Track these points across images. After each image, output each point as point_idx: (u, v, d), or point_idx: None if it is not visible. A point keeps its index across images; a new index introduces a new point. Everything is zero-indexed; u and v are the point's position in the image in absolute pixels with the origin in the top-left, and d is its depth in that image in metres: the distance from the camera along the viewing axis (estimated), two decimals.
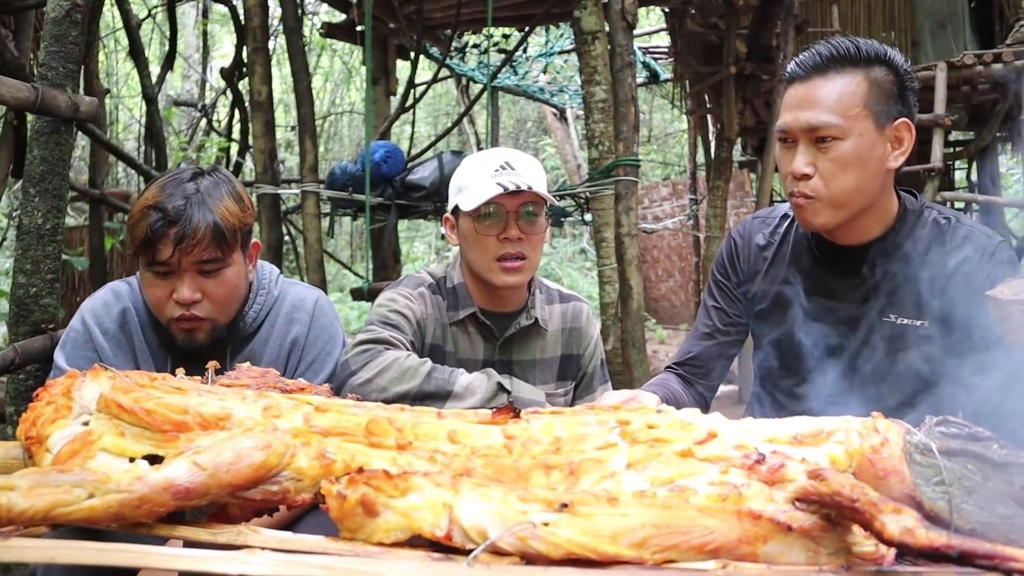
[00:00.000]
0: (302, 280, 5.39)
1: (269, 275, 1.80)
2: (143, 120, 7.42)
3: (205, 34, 9.86)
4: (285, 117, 12.48)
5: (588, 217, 5.20)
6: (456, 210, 1.88)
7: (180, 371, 1.27)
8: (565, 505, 0.79)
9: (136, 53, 5.81)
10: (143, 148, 7.48)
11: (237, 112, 7.23)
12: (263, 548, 0.76)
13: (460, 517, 0.78)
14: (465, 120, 10.09)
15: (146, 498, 0.80)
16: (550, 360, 2.00)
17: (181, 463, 0.83)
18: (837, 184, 1.53)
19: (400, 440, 0.94)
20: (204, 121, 9.63)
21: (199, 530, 0.83)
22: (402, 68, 7.63)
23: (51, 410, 1.00)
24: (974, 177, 8.71)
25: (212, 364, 1.31)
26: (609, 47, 4.11)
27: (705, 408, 1.78)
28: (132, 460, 0.92)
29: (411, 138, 8.23)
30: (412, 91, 6.74)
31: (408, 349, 1.76)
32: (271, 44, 6.41)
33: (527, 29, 6.76)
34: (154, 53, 11.13)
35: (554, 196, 1.93)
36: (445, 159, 5.38)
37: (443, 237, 1.99)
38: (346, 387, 1.63)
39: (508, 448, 0.93)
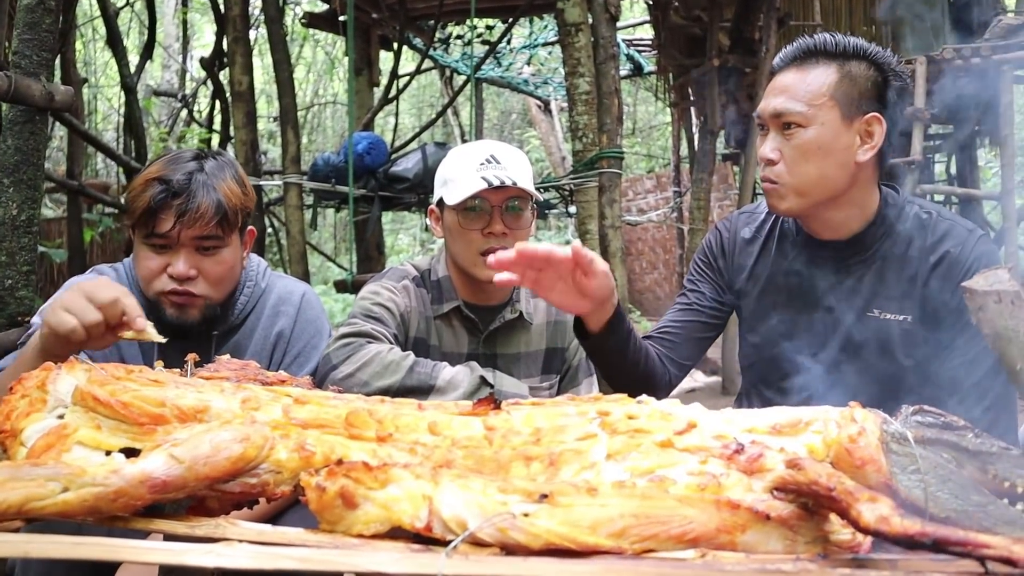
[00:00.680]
0: (285, 272, 5.37)
1: (257, 267, 1.79)
2: (122, 110, 7.35)
3: (185, 23, 9.76)
4: (267, 108, 12.39)
5: (572, 209, 5.21)
6: (441, 202, 1.87)
7: (159, 364, 1.26)
8: (545, 496, 0.79)
9: (114, 42, 5.75)
10: (122, 139, 7.40)
11: (218, 103, 7.17)
12: (241, 541, 0.75)
13: (440, 508, 0.78)
14: (449, 112, 10.06)
15: (122, 491, 0.79)
16: (535, 353, 2.00)
17: (158, 456, 0.83)
18: (798, 171, 1.57)
19: (380, 432, 0.93)
20: (184, 111, 9.54)
21: (177, 523, 0.82)
22: (385, 59, 7.60)
23: (25, 403, 0.98)
24: (953, 170, 8.79)
25: (191, 356, 1.29)
26: (592, 39, 4.11)
27: (668, 390, 1.77)
28: (108, 453, 0.91)
29: (395, 129, 8.22)
30: (395, 82, 6.72)
31: (391, 343, 1.76)
32: (252, 34, 6.35)
33: (511, 20, 6.75)
34: (133, 42, 11.02)
35: (538, 188, 1.93)
36: (429, 150, 5.37)
37: (427, 229, 1.98)
38: (327, 381, 1.63)
39: (488, 439, 0.93)
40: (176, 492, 0.83)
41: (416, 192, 5.24)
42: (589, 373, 2.10)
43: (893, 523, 0.73)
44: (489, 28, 8.02)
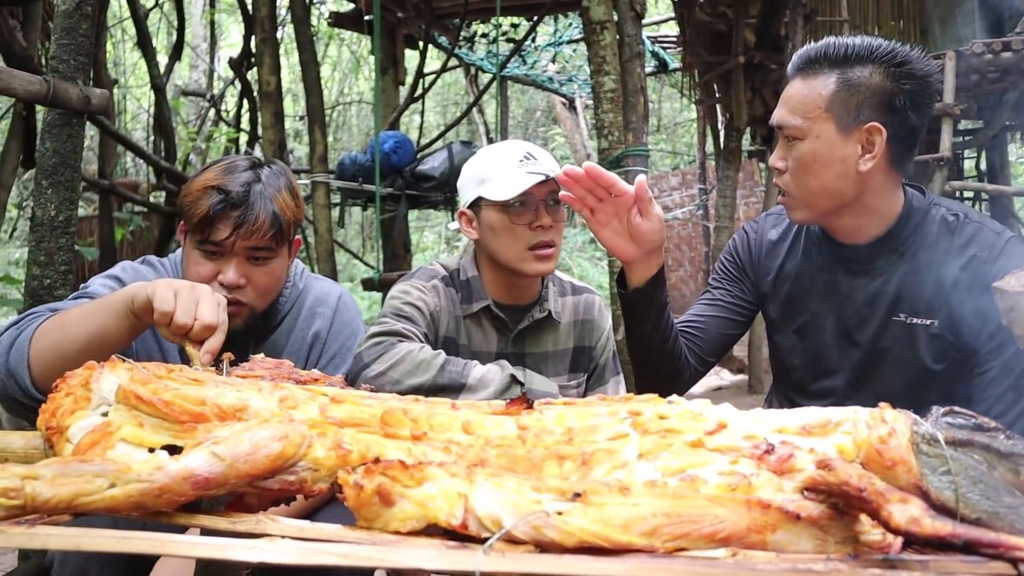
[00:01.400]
0: (313, 270, 5.42)
1: (295, 269, 1.81)
2: (151, 110, 7.45)
3: (213, 23, 9.88)
4: (293, 107, 12.50)
5: None
6: (476, 203, 1.89)
7: (196, 363, 1.29)
8: (578, 495, 0.80)
9: (144, 43, 5.84)
10: (151, 138, 7.51)
11: (246, 102, 7.25)
12: (283, 536, 0.77)
13: (475, 506, 0.79)
14: (474, 110, 10.08)
15: (166, 487, 0.82)
16: (563, 352, 2.02)
17: (200, 453, 0.85)
18: (799, 181, 1.59)
19: (415, 431, 0.95)
20: (212, 111, 9.65)
21: (218, 519, 0.85)
22: (411, 58, 7.63)
23: (70, 401, 1.01)
24: (983, 166, 8.66)
25: (227, 356, 1.32)
26: (618, 37, 4.11)
27: (688, 385, 1.79)
28: (151, 450, 0.94)
29: (420, 128, 8.24)
30: (421, 81, 6.75)
31: (422, 341, 1.78)
32: (279, 33, 6.41)
33: (536, 19, 6.75)
34: (162, 43, 11.15)
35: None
36: (455, 149, 5.40)
37: (457, 230, 1.99)
38: (360, 379, 1.65)
39: (521, 439, 0.94)
40: (217, 489, 0.85)
41: (442, 190, 5.27)
42: (616, 372, 2.11)
43: (924, 524, 0.73)
44: (514, 26, 8.03)
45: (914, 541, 0.76)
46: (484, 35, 8.14)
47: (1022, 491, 0.91)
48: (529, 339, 1.96)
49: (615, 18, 4.12)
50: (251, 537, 0.79)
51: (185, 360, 1.67)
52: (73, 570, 1.41)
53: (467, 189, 1.91)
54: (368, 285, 5.36)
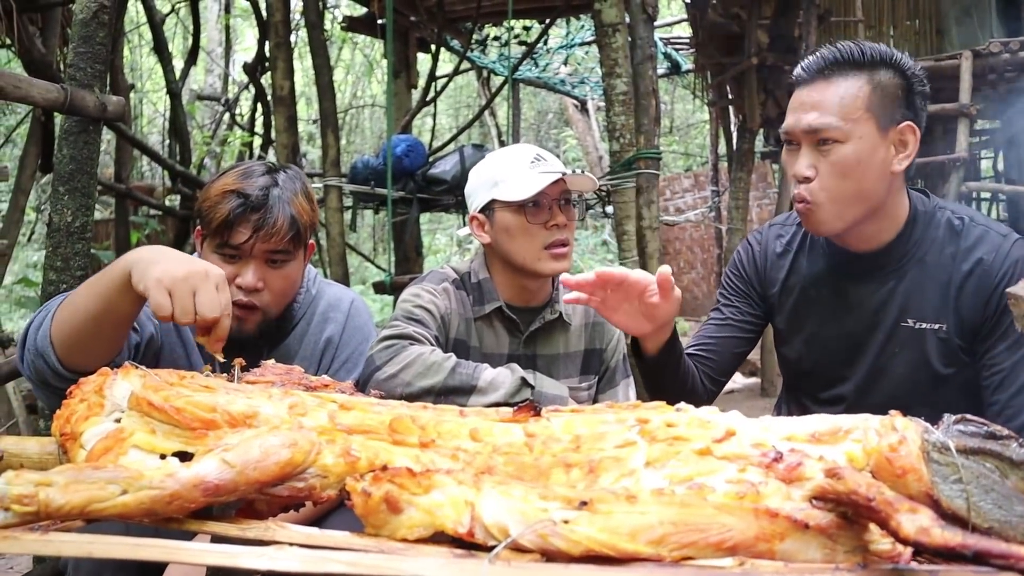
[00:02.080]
0: (325, 273, 5.45)
1: (308, 274, 1.83)
2: (167, 114, 7.51)
3: (228, 28, 9.95)
4: (307, 110, 12.56)
5: (609, 210, 5.20)
6: (488, 207, 1.90)
7: (206, 368, 1.30)
8: (585, 503, 0.80)
9: (160, 48, 5.89)
10: (167, 142, 7.57)
11: (259, 106, 7.29)
12: (291, 544, 0.78)
13: (482, 514, 0.80)
14: (486, 112, 10.09)
15: (177, 494, 0.82)
16: (574, 354, 2.02)
17: (211, 460, 0.86)
18: (838, 187, 1.53)
19: (423, 438, 0.96)
20: (227, 115, 9.71)
21: (228, 525, 0.86)
22: (423, 61, 7.65)
23: (84, 407, 1.02)
24: (1000, 166, 8.59)
25: (238, 361, 1.34)
26: (630, 39, 4.10)
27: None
28: (163, 457, 0.95)
29: (432, 131, 8.26)
30: (433, 84, 6.76)
31: (433, 344, 1.78)
32: (292, 37, 6.45)
33: (548, 22, 6.75)
34: (177, 47, 11.23)
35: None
36: (466, 152, 5.40)
37: (467, 235, 2.01)
38: (371, 382, 1.66)
39: (529, 446, 0.94)
40: (227, 495, 0.86)
41: (454, 194, 5.28)
42: (626, 375, 2.11)
43: (933, 534, 0.73)
44: (526, 29, 8.04)
45: (924, 551, 0.75)
46: (496, 38, 8.16)
47: None
48: (540, 341, 1.97)
49: (627, 20, 4.12)
50: (260, 544, 0.79)
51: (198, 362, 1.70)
52: (87, 573, 1.42)
53: (478, 193, 1.92)
54: (380, 288, 5.37)
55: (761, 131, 7.75)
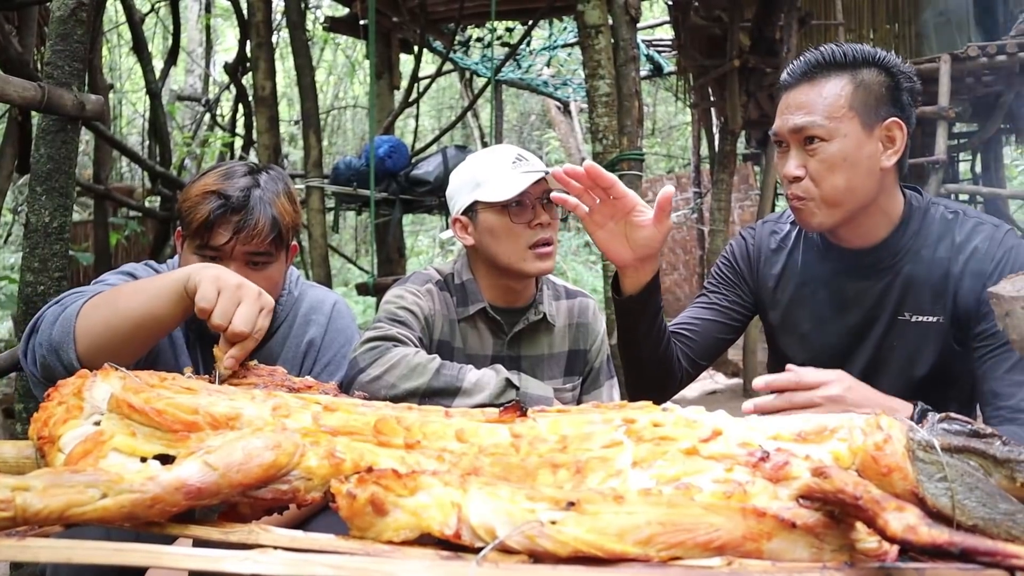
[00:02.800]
0: (308, 275, 5.42)
1: (290, 276, 1.81)
2: (147, 115, 7.44)
3: (208, 28, 9.87)
4: (288, 111, 12.49)
5: None
6: (470, 209, 1.89)
7: (188, 370, 1.28)
8: (572, 503, 0.79)
9: (140, 48, 5.83)
10: (147, 143, 7.50)
11: (240, 107, 7.24)
12: (275, 547, 0.77)
13: (469, 516, 0.79)
14: (469, 114, 10.08)
15: (158, 498, 0.81)
16: (558, 355, 2.02)
17: (192, 463, 0.84)
18: (827, 184, 1.56)
19: (408, 439, 0.95)
20: (208, 116, 9.63)
21: (211, 529, 0.84)
22: (405, 62, 7.63)
23: (62, 410, 1.01)
24: (978, 169, 8.69)
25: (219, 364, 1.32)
26: (613, 41, 4.11)
27: (678, 388, 1.80)
28: (143, 460, 0.93)
29: (415, 132, 8.24)
30: (416, 85, 6.75)
31: (416, 346, 1.78)
32: (274, 38, 6.41)
33: (530, 23, 6.75)
34: (157, 48, 11.14)
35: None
36: (449, 153, 5.40)
37: (449, 238, 2.00)
38: (355, 384, 1.65)
39: (515, 447, 0.94)
40: (210, 499, 0.84)
41: (437, 195, 5.26)
42: (610, 375, 2.11)
43: (920, 532, 0.73)
44: (509, 30, 8.04)
45: (911, 549, 0.75)
46: (479, 39, 8.15)
47: (1018, 497, 0.91)
48: (524, 342, 1.96)
49: (610, 22, 4.13)
50: (243, 548, 0.78)
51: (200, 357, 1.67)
52: None
53: (460, 195, 1.92)
54: (363, 290, 5.35)
55: (743, 133, 7.80)
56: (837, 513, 0.83)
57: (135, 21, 5.83)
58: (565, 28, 8.51)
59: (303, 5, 6.22)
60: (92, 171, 5.69)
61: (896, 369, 1.65)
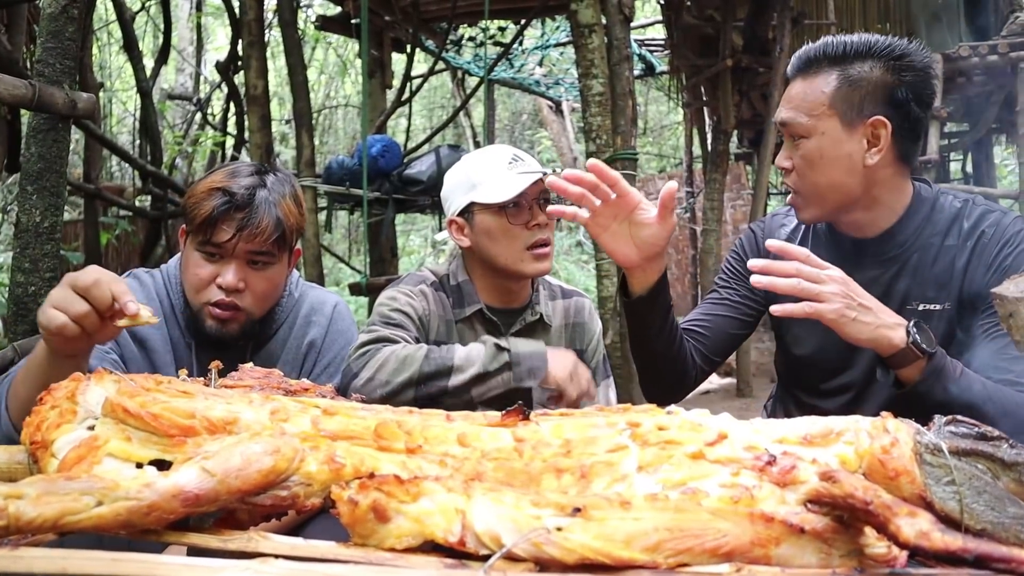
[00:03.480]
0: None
1: (291, 277, 1.80)
2: (137, 114, 7.38)
3: (199, 27, 9.82)
4: (279, 110, 12.43)
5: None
6: (467, 210, 1.87)
7: (183, 372, 1.26)
8: (578, 509, 0.78)
9: (130, 46, 5.79)
10: (137, 142, 7.45)
11: (232, 106, 7.20)
12: (275, 556, 0.75)
13: (473, 523, 0.77)
14: (461, 113, 10.06)
15: (155, 505, 0.79)
16: None
17: (190, 469, 0.83)
18: (808, 179, 1.60)
19: (409, 443, 0.93)
20: (199, 115, 9.58)
21: (209, 537, 0.82)
22: (397, 61, 7.61)
23: (55, 414, 0.98)
24: (969, 168, 8.73)
25: (215, 364, 1.30)
26: (606, 40, 4.10)
27: (694, 386, 1.79)
28: (139, 465, 0.91)
29: (407, 131, 8.21)
30: (408, 84, 6.72)
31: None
32: (265, 36, 6.37)
33: (523, 22, 6.74)
34: (148, 46, 11.07)
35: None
36: (442, 153, 5.38)
37: (440, 229, 1.99)
38: (350, 390, 1.63)
39: (518, 451, 0.92)
40: (208, 505, 0.83)
41: (430, 194, 5.24)
42: (606, 375, 2.10)
43: (934, 539, 0.72)
44: (501, 30, 8.02)
45: (923, 555, 0.74)
46: (471, 38, 8.13)
47: None
48: None
49: (603, 21, 4.12)
50: (243, 556, 0.76)
51: (196, 362, 1.65)
52: None
53: (456, 197, 1.90)
54: (355, 290, 5.33)
55: (735, 132, 7.80)
56: (846, 518, 0.82)
57: (125, 19, 5.78)
58: (558, 27, 8.50)
59: (295, 3, 6.19)
60: (82, 170, 5.64)
61: None
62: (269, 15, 7.17)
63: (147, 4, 8.68)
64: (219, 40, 13.69)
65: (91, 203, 5.56)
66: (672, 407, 1.02)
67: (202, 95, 10.11)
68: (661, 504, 0.82)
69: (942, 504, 0.88)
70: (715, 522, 0.80)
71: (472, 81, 9.52)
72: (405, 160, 5.60)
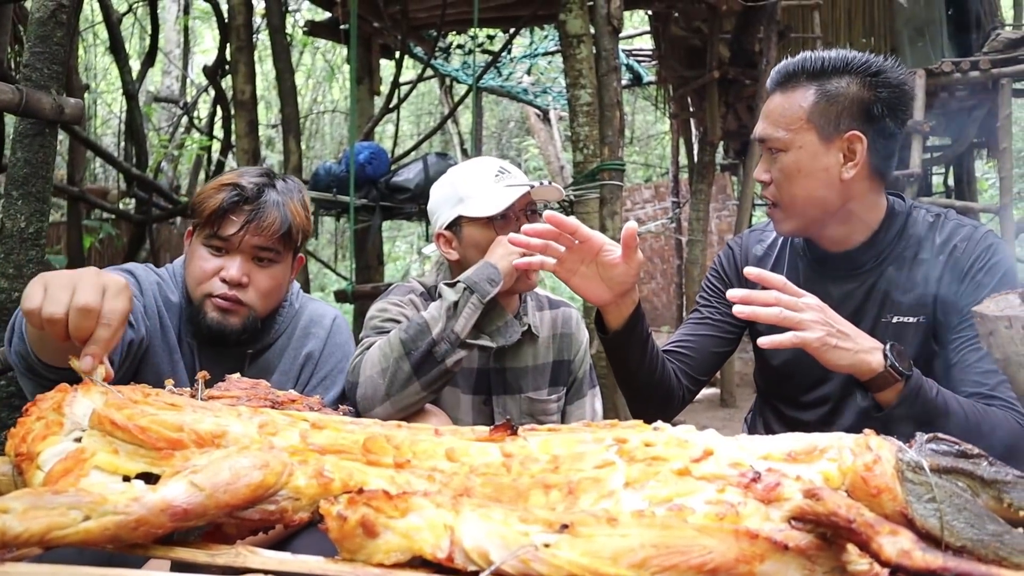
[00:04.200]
0: None
1: (292, 289, 1.81)
2: (123, 116, 7.34)
3: (186, 30, 9.77)
4: (266, 114, 12.39)
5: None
6: (454, 223, 1.88)
7: (169, 382, 1.26)
8: (565, 526, 0.79)
9: (116, 49, 5.76)
10: (122, 145, 7.40)
11: (219, 110, 7.17)
12: (264, 571, 0.75)
13: (461, 539, 0.78)
14: (448, 120, 10.06)
15: (143, 520, 0.79)
16: (542, 366, 2.01)
17: (178, 483, 0.82)
18: (786, 192, 1.62)
19: (398, 458, 0.93)
20: (185, 118, 9.53)
21: (196, 551, 0.82)
22: (386, 67, 7.60)
23: (41, 426, 0.98)
24: (951, 182, 8.82)
25: (202, 375, 1.30)
26: (594, 51, 4.12)
27: (682, 406, 1.80)
28: (126, 478, 0.91)
29: (395, 137, 8.20)
30: (396, 91, 6.72)
31: None
32: (253, 40, 6.34)
33: (512, 31, 6.76)
34: (134, 48, 11.01)
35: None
36: (430, 161, 5.38)
37: (427, 237, 1.99)
38: (361, 405, 1.66)
39: (506, 466, 0.93)
40: (196, 520, 0.83)
41: (417, 202, 5.24)
42: (593, 385, 2.12)
43: (915, 557, 0.73)
44: (490, 38, 8.04)
45: (904, 573, 0.75)
46: (460, 46, 8.14)
47: (1006, 518, 0.91)
48: (510, 354, 1.96)
49: (592, 32, 4.14)
50: (231, 572, 0.76)
51: (195, 360, 1.64)
52: None
53: (443, 210, 1.90)
54: (341, 297, 5.31)
55: (721, 144, 7.85)
56: (829, 535, 0.83)
57: (112, 21, 5.75)
58: (546, 36, 8.53)
59: (284, 8, 6.18)
60: (66, 172, 5.60)
61: None
62: (258, 19, 7.15)
63: (134, 6, 8.64)
64: (206, 43, 13.64)
65: (75, 206, 5.51)
66: (659, 423, 1.02)
67: (188, 98, 10.06)
68: (647, 521, 0.82)
69: (923, 521, 0.89)
70: (701, 539, 0.81)
71: (460, 88, 9.54)
72: (392, 167, 5.59)
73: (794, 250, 1.79)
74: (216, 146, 7.59)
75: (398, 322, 1.82)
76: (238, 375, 1.32)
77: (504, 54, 7.95)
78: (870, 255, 1.67)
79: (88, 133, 7.62)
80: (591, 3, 4.17)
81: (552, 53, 8.44)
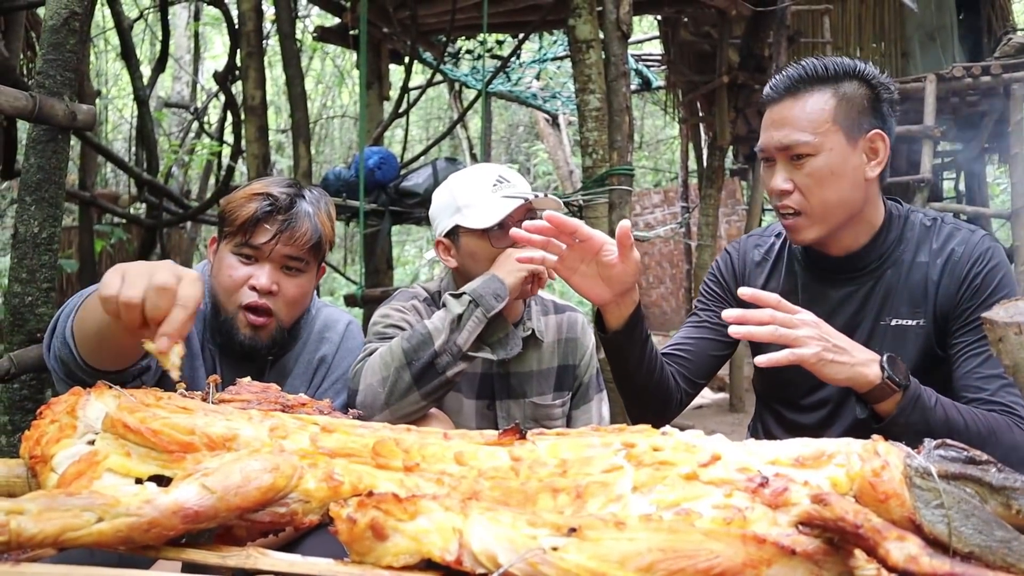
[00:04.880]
0: None
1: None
2: (134, 121, 7.39)
3: (197, 36, 9.83)
4: (276, 119, 12.44)
5: None
6: (452, 232, 1.88)
7: (181, 385, 1.27)
8: (573, 530, 0.79)
9: (128, 55, 5.80)
10: (133, 150, 7.45)
11: (229, 115, 7.20)
12: (274, 573, 0.76)
13: (470, 542, 0.78)
14: (457, 125, 10.09)
15: (155, 522, 0.80)
16: (547, 371, 2.01)
17: (190, 486, 0.84)
18: (817, 197, 1.60)
19: (407, 461, 0.94)
20: (196, 124, 9.59)
21: (207, 553, 0.83)
22: (395, 72, 7.63)
23: (55, 429, 0.99)
24: (962, 187, 8.78)
25: (213, 379, 1.31)
26: (603, 56, 4.12)
27: (680, 409, 1.80)
28: (138, 481, 0.92)
29: (404, 142, 8.22)
30: (406, 96, 6.74)
31: None
32: (263, 46, 6.38)
33: (522, 36, 6.77)
34: (145, 54, 11.09)
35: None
36: (439, 166, 5.39)
37: (434, 259, 1.99)
38: (366, 412, 1.65)
39: (515, 470, 0.93)
40: (208, 522, 0.84)
41: (426, 207, 5.24)
42: (600, 389, 2.11)
43: (922, 563, 0.73)
44: (499, 43, 8.06)
45: None
46: (469, 51, 8.16)
47: (1014, 525, 0.91)
48: (514, 358, 1.95)
49: (601, 37, 4.15)
50: (242, 573, 0.77)
51: (219, 370, 1.65)
52: None
53: (442, 218, 1.90)
54: (351, 301, 5.32)
55: (731, 148, 7.84)
56: (836, 540, 0.83)
57: (123, 27, 5.79)
58: (555, 41, 8.55)
59: (294, 14, 6.21)
60: (78, 177, 5.64)
61: None
62: (268, 25, 7.19)
63: (145, 12, 8.70)
64: (216, 49, 13.72)
65: (86, 210, 5.55)
66: (667, 428, 1.03)
67: (199, 104, 10.12)
68: (655, 525, 0.83)
69: (931, 527, 0.89)
70: (708, 543, 0.82)
71: (469, 93, 9.57)
72: (402, 172, 5.61)
73: (792, 255, 1.79)
74: (226, 151, 7.63)
75: (401, 328, 1.83)
76: (248, 379, 1.33)
77: (513, 59, 7.97)
78: (870, 258, 1.68)
79: (99, 138, 7.68)
80: (600, 8, 4.18)
81: (561, 58, 8.45)
